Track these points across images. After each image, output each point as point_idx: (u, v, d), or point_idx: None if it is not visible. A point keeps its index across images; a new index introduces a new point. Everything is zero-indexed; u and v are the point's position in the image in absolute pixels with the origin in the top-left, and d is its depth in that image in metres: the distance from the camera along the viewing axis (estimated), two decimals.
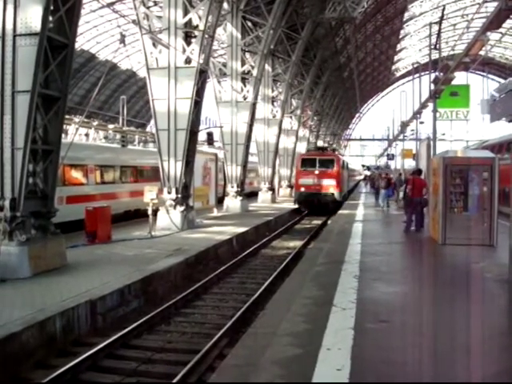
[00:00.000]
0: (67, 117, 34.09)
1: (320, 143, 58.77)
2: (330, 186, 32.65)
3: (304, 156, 35.68)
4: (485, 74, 68.68)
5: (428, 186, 17.28)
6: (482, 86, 63.47)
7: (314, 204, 32.55)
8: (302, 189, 32.81)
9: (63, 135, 15.11)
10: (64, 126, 16.68)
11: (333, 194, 32.56)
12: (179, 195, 20.17)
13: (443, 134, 53.15)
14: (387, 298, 8.77)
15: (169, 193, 20.18)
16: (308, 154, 36.97)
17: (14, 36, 11.58)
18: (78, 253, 14.66)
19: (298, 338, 6.50)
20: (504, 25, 19.56)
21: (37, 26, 11.48)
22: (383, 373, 5.55)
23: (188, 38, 20.52)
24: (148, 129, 69.65)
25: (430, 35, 30.51)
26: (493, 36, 54.49)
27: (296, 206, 33.87)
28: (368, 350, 6.22)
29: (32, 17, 11.53)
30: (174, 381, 7.31)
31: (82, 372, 7.88)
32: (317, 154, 35.09)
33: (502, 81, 69.09)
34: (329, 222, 27.54)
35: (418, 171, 19.02)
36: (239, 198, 29.66)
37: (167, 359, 8.52)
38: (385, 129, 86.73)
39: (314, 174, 32.81)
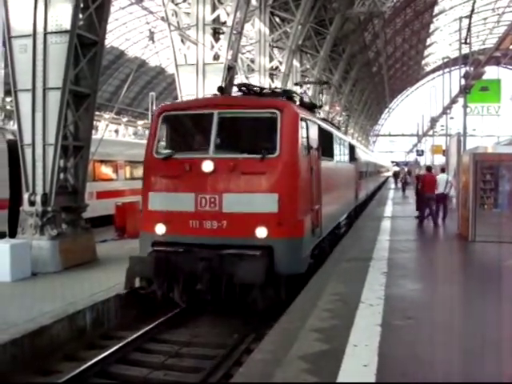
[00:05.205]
0: (97, 113, 34.51)
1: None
2: (261, 217, 8.72)
3: (171, 110, 10.17)
4: None
5: (437, 181, 17.92)
6: None
7: (198, 286, 8.68)
8: (160, 229, 9.29)
9: (93, 131, 15.31)
10: (94, 123, 16.88)
11: (270, 247, 8.67)
12: None
13: (474, 130, 52.38)
14: (415, 294, 8.68)
15: None
16: (186, 103, 12.47)
17: (45, 34, 11.78)
18: (107, 247, 14.86)
19: (325, 333, 6.46)
20: None
21: (67, 23, 11.66)
22: (411, 370, 5.49)
23: (216, 34, 20.56)
24: None
25: (460, 29, 30.01)
26: None
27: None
28: (395, 346, 6.16)
29: (62, 15, 11.71)
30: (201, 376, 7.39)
31: (110, 365, 8.02)
32: (217, 100, 9.96)
33: None
34: None
35: (428, 168, 20.62)
36: None
37: (195, 353, 8.59)
38: (414, 124, 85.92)
39: (202, 174, 8.90)
